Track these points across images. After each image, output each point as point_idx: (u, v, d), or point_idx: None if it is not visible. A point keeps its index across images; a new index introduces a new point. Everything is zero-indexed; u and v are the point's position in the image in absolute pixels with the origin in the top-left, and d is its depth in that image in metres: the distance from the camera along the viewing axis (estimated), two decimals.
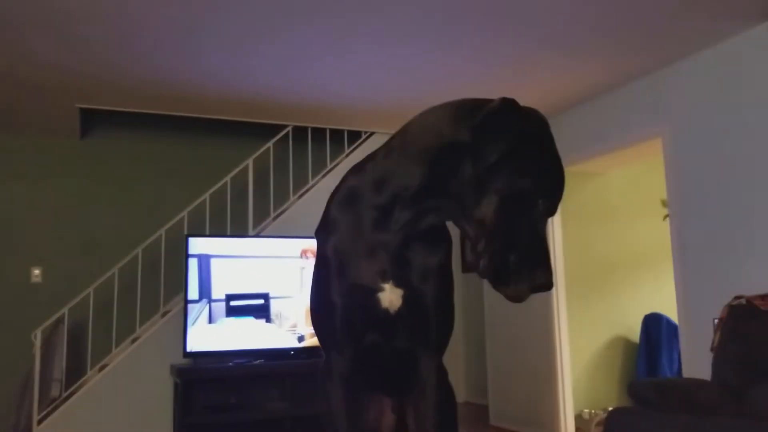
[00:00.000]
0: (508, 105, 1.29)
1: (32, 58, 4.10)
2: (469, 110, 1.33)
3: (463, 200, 1.32)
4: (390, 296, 1.44)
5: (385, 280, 1.43)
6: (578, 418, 5.35)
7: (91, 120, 5.71)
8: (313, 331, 5.24)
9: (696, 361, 4.06)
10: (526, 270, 1.27)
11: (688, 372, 4.18)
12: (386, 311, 1.45)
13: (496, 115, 1.28)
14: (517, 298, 1.29)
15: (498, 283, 1.30)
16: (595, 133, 5.09)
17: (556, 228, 5.46)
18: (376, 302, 1.43)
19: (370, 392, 1.73)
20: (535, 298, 4.55)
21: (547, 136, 1.34)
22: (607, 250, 5.89)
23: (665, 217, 4.76)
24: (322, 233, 1.54)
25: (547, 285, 1.26)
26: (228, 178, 5.43)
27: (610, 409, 3.50)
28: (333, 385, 1.49)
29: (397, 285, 1.44)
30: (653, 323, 5.53)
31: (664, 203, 4.76)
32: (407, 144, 1.42)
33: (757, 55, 3.86)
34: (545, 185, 1.30)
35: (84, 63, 4.21)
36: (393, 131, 1.55)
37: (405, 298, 1.44)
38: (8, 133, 5.59)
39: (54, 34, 3.77)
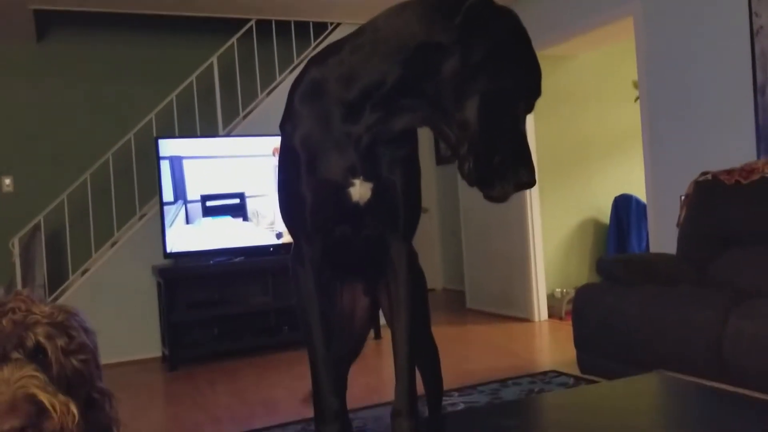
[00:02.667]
0: (486, 2, 1.27)
1: None
2: (443, 8, 1.30)
3: (442, 103, 1.30)
4: (360, 190, 1.45)
5: (355, 175, 1.44)
6: (550, 297, 5.57)
7: (47, 22, 5.48)
8: None
9: (663, 237, 4.20)
10: (510, 170, 1.29)
11: (654, 248, 4.33)
12: (356, 204, 1.46)
13: (477, 13, 1.25)
14: (502, 198, 1.31)
15: (484, 186, 1.31)
16: (566, 14, 5.01)
17: None
18: (347, 197, 1.45)
19: (342, 279, 1.78)
20: None
21: (524, 33, 1.33)
22: (578, 133, 5.94)
23: (636, 98, 4.78)
24: (287, 126, 1.52)
25: (530, 183, 1.30)
26: (193, 77, 5.31)
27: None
28: (304, 271, 1.51)
29: (367, 179, 1.45)
30: (623, 204, 5.66)
31: (636, 85, 4.77)
32: (379, 42, 1.38)
33: None
34: (526, 83, 1.31)
35: None
36: (361, 22, 1.51)
37: (374, 191, 1.46)
38: None
39: None
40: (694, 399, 1.84)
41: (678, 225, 3.68)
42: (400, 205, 1.50)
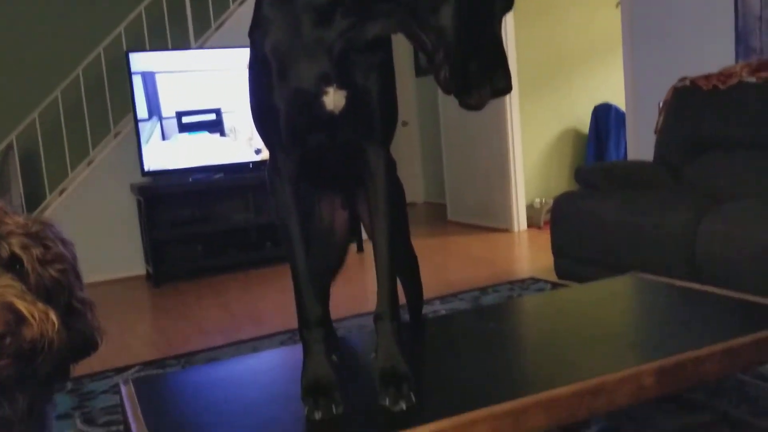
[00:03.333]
0: None
1: None
2: None
3: (416, 7, 1.27)
4: (334, 98, 1.43)
5: (328, 84, 1.41)
6: (530, 207, 5.64)
7: None
8: None
9: (641, 145, 4.24)
10: (486, 76, 1.27)
11: (633, 156, 4.37)
12: (331, 113, 1.44)
13: None
14: (479, 106, 1.29)
15: (460, 94, 1.30)
16: None
17: (508, 21, 5.37)
18: (321, 106, 1.42)
19: (321, 191, 1.78)
20: None
21: None
22: (559, 41, 5.86)
23: (617, 4, 4.70)
24: (256, 33, 1.47)
25: (507, 88, 1.26)
26: None
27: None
28: (281, 183, 1.51)
29: (341, 87, 1.43)
30: (603, 113, 5.66)
31: None
32: None
33: None
34: None
35: None
36: None
37: (349, 98, 1.44)
38: None
39: None
40: (666, 298, 1.91)
41: (656, 132, 3.70)
42: (376, 112, 1.47)
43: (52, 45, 5.47)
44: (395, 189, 1.61)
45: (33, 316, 1.01)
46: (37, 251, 1.07)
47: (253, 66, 1.51)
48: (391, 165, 1.57)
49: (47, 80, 5.19)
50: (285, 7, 1.39)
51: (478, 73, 1.26)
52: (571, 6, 5.87)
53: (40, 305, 1.03)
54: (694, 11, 3.89)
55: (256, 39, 1.45)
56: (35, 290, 1.05)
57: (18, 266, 1.05)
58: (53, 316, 1.03)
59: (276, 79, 1.42)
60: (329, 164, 1.59)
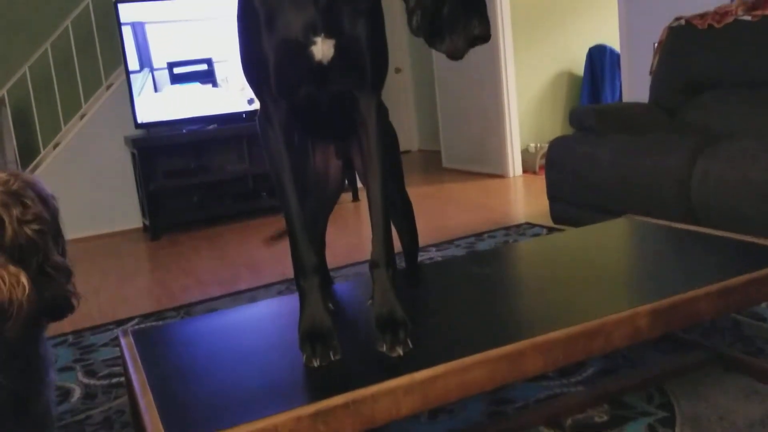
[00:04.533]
0: None
1: None
2: None
3: None
4: (322, 48, 1.41)
5: (315, 33, 1.40)
6: (525, 152, 5.63)
7: None
8: None
9: (636, 86, 4.20)
10: (460, 22, 1.24)
11: (628, 97, 4.34)
12: (319, 63, 1.43)
13: None
14: (455, 54, 1.27)
15: (432, 40, 1.28)
16: None
17: None
18: (310, 56, 1.41)
19: (314, 140, 1.78)
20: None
21: None
22: None
23: None
24: None
25: (484, 36, 1.24)
26: None
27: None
28: (273, 131, 1.50)
29: (329, 36, 1.41)
30: (597, 54, 5.60)
31: None
32: None
33: None
34: None
35: None
36: None
37: (337, 47, 1.42)
38: None
39: None
40: (661, 240, 1.93)
41: (651, 72, 3.66)
42: (366, 60, 1.46)
43: None
44: (387, 135, 1.60)
45: (3, 280, 0.99)
46: (16, 210, 1.05)
47: (241, 16, 1.49)
48: (382, 111, 1.57)
49: (36, 33, 5.11)
50: None
51: (451, 19, 1.23)
52: None
53: (12, 268, 1.01)
54: None
55: None
56: (9, 250, 1.03)
57: None
58: (24, 279, 1.01)
59: (264, 29, 1.41)
60: (321, 113, 1.58)
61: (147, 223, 4.81)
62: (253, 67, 1.49)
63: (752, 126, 2.94)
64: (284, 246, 2.65)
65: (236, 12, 1.51)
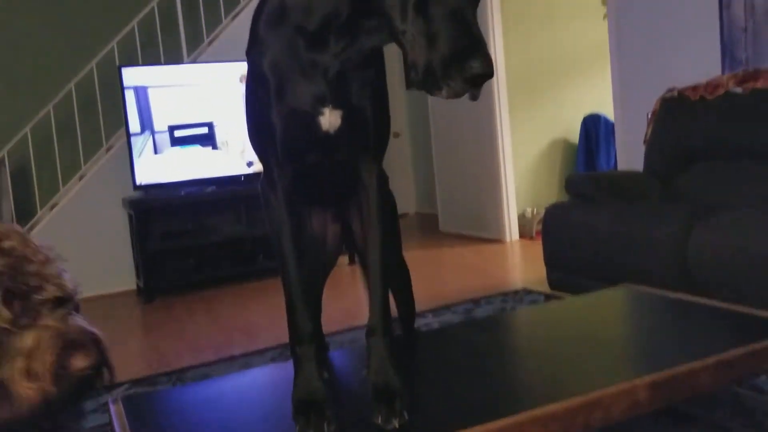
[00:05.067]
0: None
1: None
2: None
3: (391, 14, 1.28)
4: (330, 119, 1.44)
5: (324, 104, 1.43)
6: (521, 217, 5.65)
7: None
8: None
9: (630, 155, 4.25)
10: (455, 66, 1.25)
11: (623, 166, 4.39)
12: (326, 132, 1.46)
13: None
14: (456, 95, 1.23)
15: (430, 88, 1.29)
16: None
17: (496, 31, 5.41)
18: (317, 126, 1.44)
19: (313, 205, 1.79)
20: (478, 104, 4.60)
21: None
22: (548, 52, 5.89)
23: (605, 16, 4.74)
24: (254, 52, 1.49)
25: (485, 73, 1.19)
26: (155, 3, 5.13)
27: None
28: (276, 197, 1.51)
29: (336, 107, 1.44)
30: (592, 123, 5.69)
31: (604, 2, 4.72)
32: None
33: None
34: None
35: None
36: None
37: (344, 118, 1.45)
38: None
39: None
40: (659, 310, 1.92)
41: (645, 142, 3.72)
42: (370, 130, 1.49)
43: (44, 60, 5.47)
44: (387, 203, 1.62)
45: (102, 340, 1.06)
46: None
47: (250, 83, 1.52)
48: (383, 179, 1.59)
49: (40, 95, 5.17)
50: (280, 30, 1.41)
51: (445, 62, 1.22)
52: (559, 17, 5.92)
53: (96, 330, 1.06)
54: (680, 23, 3.93)
55: (254, 58, 1.47)
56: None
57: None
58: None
59: (274, 97, 1.43)
60: (323, 179, 1.60)
61: (141, 285, 4.77)
62: (261, 134, 1.52)
63: (746, 196, 2.97)
64: (279, 310, 2.62)
65: (246, 78, 1.54)
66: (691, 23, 3.86)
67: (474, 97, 1.24)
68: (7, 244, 1.01)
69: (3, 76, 5.39)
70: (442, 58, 1.21)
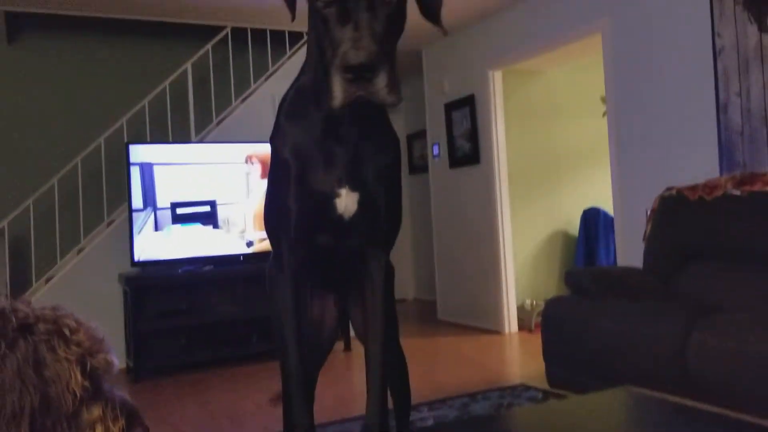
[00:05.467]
0: None
1: None
2: None
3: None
4: (346, 201, 1.47)
5: (341, 185, 1.46)
6: (521, 309, 5.61)
7: (19, 24, 5.39)
8: (262, 237, 5.24)
9: (630, 250, 4.26)
10: (335, 59, 1.20)
11: (622, 261, 4.39)
12: (340, 216, 1.48)
13: None
14: (338, 98, 1.20)
15: (324, 97, 1.27)
16: (537, 30, 5.07)
17: (499, 127, 5.51)
18: (333, 208, 1.47)
19: (316, 288, 1.79)
20: (480, 194, 4.67)
21: None
22: (549, 147, 6.01)
23: (604, 113, 4.85)
24: (277, 140, 1.56)
25: (358, 62, 1.15)
26: (167, 83, 5.26)
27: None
28: (283, 279, 1.52)
29: (353, 189, 1.47)
30: (592, 217, 5.73)
31: (604, 100, 4.85)
32: (310, 55, 1.48)
33: None
34: None
35: None
36: None
37: (360, 202, 1.47)
38: None
39: None
40: (659, 415, 1.87)
41: (644, 239, 3.73)
42: (382, 217, 1.52)
43: (53, 132, 5.54)
44: (392, 297, 1.61)
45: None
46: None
47: (272, 168, 1.58)
48: (390, 271, 1.59)
49: (46, 167, 5.23)
50: (300, 121, 1.48)
51: (330, 63, 1.22)
52: (559, 113, 6.06)
53: None
54: (678, 124, 4.02)
55: (276, 144, 1.54)
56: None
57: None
58: None
59: (293, 180, 1.48)
60: (331, 264, 1.61)
61: (131, 364, 4.69)
62: (277, 215, 1.55)
63: (745, 298, 2.95)
64: (271, 395, 2.55)
65: (270, 166, 1.60)
66: (689, 124, 3.95)
67: (348, 99, 1.19)
68: (77, 337, 1.09)
69: (10, 146, 5.45)
70: (329, 59, 1.22)
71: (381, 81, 1.18)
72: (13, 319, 1.06)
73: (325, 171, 1.46)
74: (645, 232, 3.74)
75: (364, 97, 1.18)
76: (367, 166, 1.48)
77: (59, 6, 4.80)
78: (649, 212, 3.76)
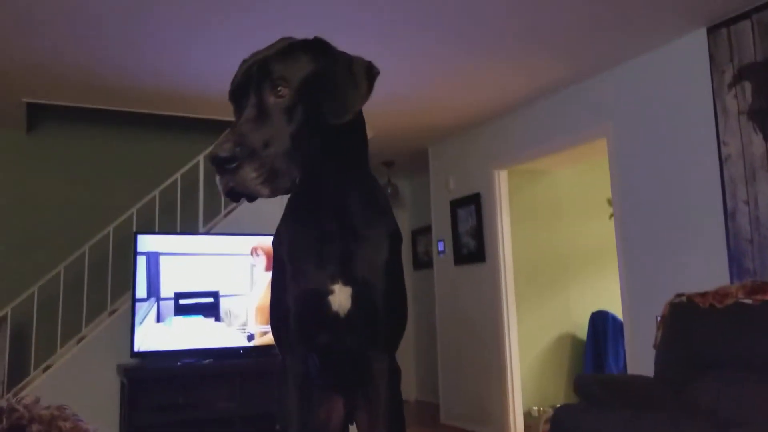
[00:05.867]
0: None
1: None
2: None
3: None
4: (339, 298, 1.46)
5: (333, 281, 1.45)
6: (527, 415, 5.45)
7: (38, 114, 5.54)
8: (262, 330, 5.20)
9: (640, 357, 4.17)
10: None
11: (632, 368, 4.29)
12: (336, 314, 1.47)
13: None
14: (220, 188, 1.29)
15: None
16: (543, 132, 5.17)
17: (505, 226, 5.54)
18: (327, 306, 1.46)
19: (323, 390, 1.75)
20: (485, 294, 4.61)
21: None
22: (555, 248, 6.01)
23: (610, 216, 4.87)
24: (276, 240, 1.59)
25: (213, 151, 1.25)
26: (178, 175, 5.34)
27: (558, 406, 3.57)
28: (287, 386, 1.51)
29: (346, 284, 1.46)
30: (600, 320, 5.66)
31: (610, 203, 4.88)
32: None
33: (695, 58, 3.99)
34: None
35: (30, 56, 4.10)
36: None
37: (354, 298, 1.46)
38: None
39: None
40: None
41: (654, 346, 3.66)
42: (381, 317, 1.48)
43: (61, 220, 5.59)
44: (398, 402, 1.57)
45: None
46: None
47: (273, 270, 1.60)
48: (395, 373, 1.55)
49: (52, 254, 5.24)
50: (295, 225, 1.52)
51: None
52: (566, 213, 6.10)
53: None
54: (686, 229, 4.02)
55: (275, 245, 1.56)
56: None
57: None
58: None
59: (290, 279, 1.49)
60: (334, 365, 1.58)
61: None
62: (277, 317, 1.55)
63: (760, 412, 2.86)
64: None
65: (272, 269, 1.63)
66: (697, 229, 3.95)
67: (225, 190, 1.27)
68: None
69: (19, 232, 5.49)
70: None
71: (247, 173, 1.23)
72: (4, 420, 1.05)
73: (318, 268, 1.46)
74: (655, 338, 3.67)
75: (237, 189, 1.25)
76: (360, 261, 1.46)
77: (76, 98, 4.94)
78: (659, 319, 3.70)
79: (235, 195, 1.27)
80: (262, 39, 1.52)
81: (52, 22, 3.67)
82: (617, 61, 4.47)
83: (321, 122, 1.31)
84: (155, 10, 3.57)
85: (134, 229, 5.08)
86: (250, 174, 1.23)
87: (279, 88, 1.29)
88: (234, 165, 1.22)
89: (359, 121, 1.47)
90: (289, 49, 1.35)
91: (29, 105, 5.08)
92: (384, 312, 1.47)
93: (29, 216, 5.55)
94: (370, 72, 1.36)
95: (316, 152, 1.33)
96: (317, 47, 1.37)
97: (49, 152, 5.69)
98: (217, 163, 1.23)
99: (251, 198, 1.27)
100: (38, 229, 5.55)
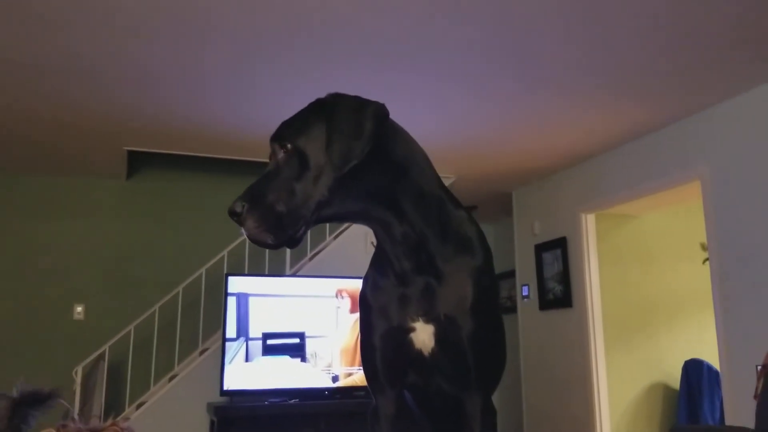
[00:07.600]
0: None
1: (74, 104, 4.24)
2: None
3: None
4: (422, 336, 1.44)
5: (414, 319, 1.44)
6: None
7: (137, 161, 5.86)
8: (347, 372, 5.20)
9: (739, 408, 3.96)
10: None
11: (730, 420, 4.08)
12: (419, 352, 1.45)
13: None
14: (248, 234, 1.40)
15: None
16: (632, 176, 5.07)
17: (593, 270, 5.41)
18: (410, 344, 1.45)
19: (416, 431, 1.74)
20: (573, 342, 4.52)
21: None
22: (645, 293, 5.82)
23: (705, 260, 4.70)
24: (363, 284, 1.60)
25: (228, 210, 1.43)
26: None
27: None
28: (379, 428, 1.50)
29: (428, 322, 1.44)
30: (694, 369, 5.41)
31: (704, 247, 4.71)
32: None
33: None
34: None
35: (138, 107, 4.36)
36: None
37: (437, 336, 1.43)
38: (56, 175, 5.78)
39: (88, 81, 3.91)
40: None
41: (755, 397, 3.47)
42: (469, 355, 1.42)
43: (157, 263, 5.84)
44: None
45: None
46: None
47: (360, 311, 1.60)
48: (489, 415, 1.50)
49: (149, 294, 5.46)
50: (379, 270, 1.52)
51: None
52: (656, 258, 5.92)
53: None
54: None
55: (363, 289, 1.57)
56: None
57: None
58: None
59: (375, 320, 1.48)
60: (426, 408, 1.56)
61: None
62: (366, 358, 1.54)
63: None
64: None
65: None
66: None
67: (248, 235, 1.41)
68: None
69: (117, 274, 5.76)
70: None
71: (250, 224, 1.38)
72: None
73: (402, 305, 1.45)
74: (756, 389, 3.48)
75: (249, 238, 1.40)
76: (442, 299, 1.43)
77: (174, 145, 5.20)
78: (759, 368, 3.52)
79: (254, 242, 1.41)
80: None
81: (166, 77, 3.91)
82: (709, 103, 4.36)
83: (341, 169, 1.37)
84: (256, 67, 3.76)
85: (225, 270, 5.26)
86: (252, 224, 1.38)
87: (287, 145, 1.43)
88: (238, 217, 1.39)
89: (412, 159, 1.47)
90: (302, 111, 1.49)
91: (130, 152, 5.38)
92: (473, 351, 1.42)
93: (126, 259, 5.83)
94: (378, 113, 1.39)
95: (358, 197, 1.42)
96: (326, 102, 1.44)
97: (145, 197, 6.00)
98: (231, 217, 1.41)
99: (263, 246, 1.41)
100: (134, 270, 5.82)
